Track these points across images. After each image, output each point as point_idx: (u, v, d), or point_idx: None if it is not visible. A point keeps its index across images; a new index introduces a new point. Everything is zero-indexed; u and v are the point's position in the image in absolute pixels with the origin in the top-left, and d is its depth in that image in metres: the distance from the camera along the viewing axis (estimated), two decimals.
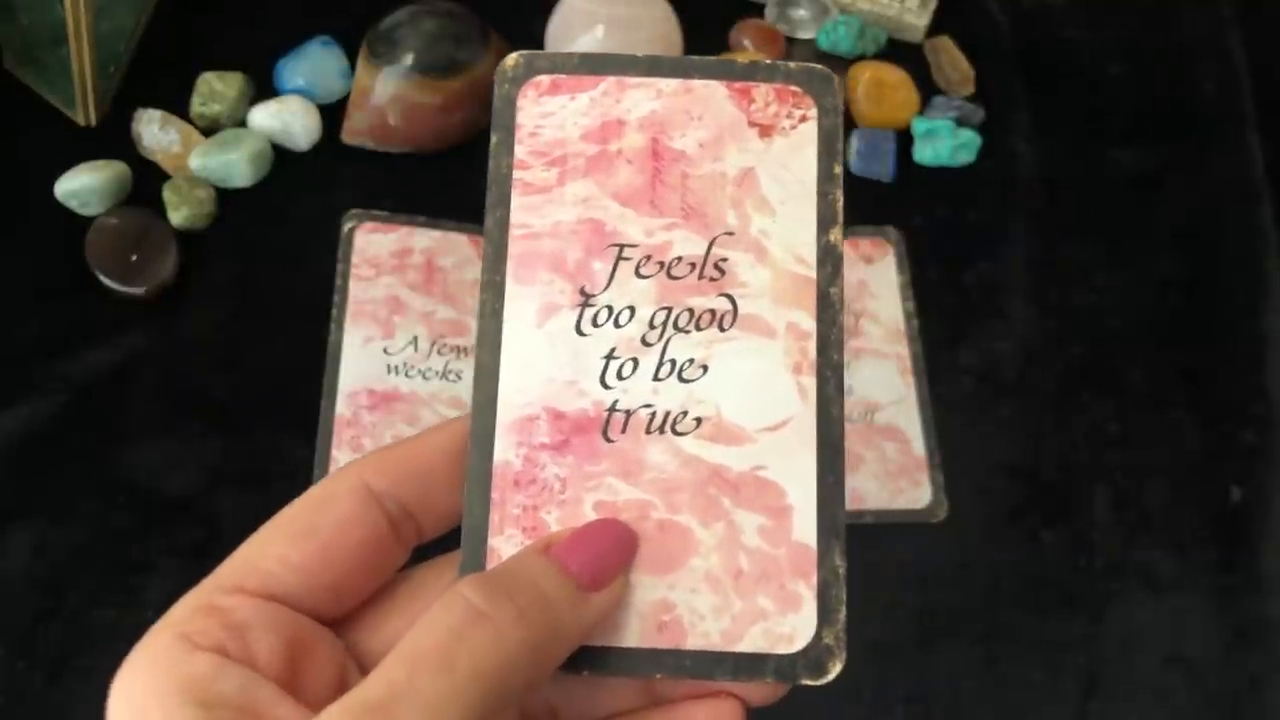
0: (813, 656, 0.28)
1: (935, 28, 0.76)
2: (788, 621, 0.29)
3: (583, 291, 0.30)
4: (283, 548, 0.28)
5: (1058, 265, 0.69)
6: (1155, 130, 0.74)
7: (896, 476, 0.62)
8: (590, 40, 0.68)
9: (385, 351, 0.62)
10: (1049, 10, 0.78)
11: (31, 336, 0.63)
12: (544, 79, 0.32)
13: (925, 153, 0.71)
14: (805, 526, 0.29)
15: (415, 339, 0.62)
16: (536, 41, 0.71)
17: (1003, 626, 0.60)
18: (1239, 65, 0.76)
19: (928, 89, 0.74)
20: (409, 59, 0.67)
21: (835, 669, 0.29)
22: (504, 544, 0.29)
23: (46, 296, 0.64)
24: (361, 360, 0.62)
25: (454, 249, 0.65)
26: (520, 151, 0.31)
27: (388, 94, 0.67)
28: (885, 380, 0.64)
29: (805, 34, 0.75)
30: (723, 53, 0.74)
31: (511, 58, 0.32)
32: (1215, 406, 0.66)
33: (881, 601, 0.59)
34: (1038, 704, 0.58)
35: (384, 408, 0.61)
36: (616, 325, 0.30)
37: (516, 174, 0.31)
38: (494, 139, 0.32)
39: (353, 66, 0.70)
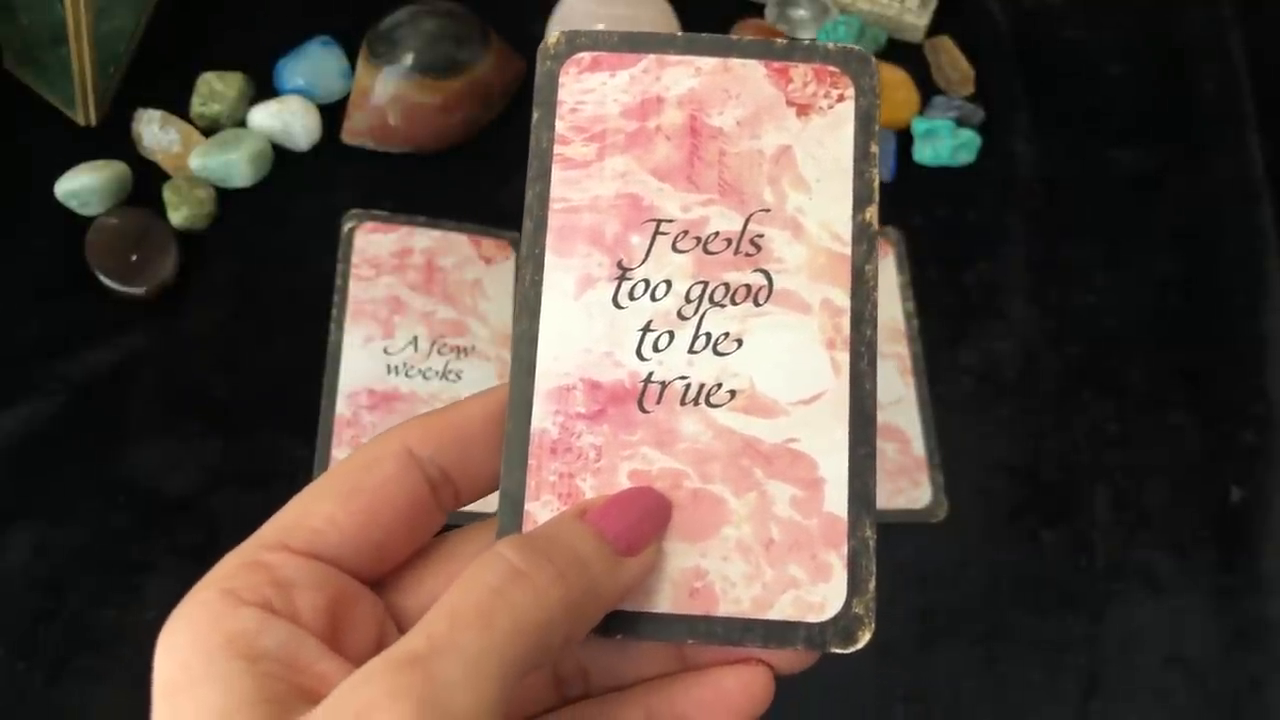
0: (842, 625, 0.29)
1: (935, 28, 0.76)
2: (818, 590, 0.29)
3: (620, 265, 0.31)
4: (329, 506, 0.28)
5: (1058, 265, 0.69)
6: (1155, 130, 0.74)
7: (896, 476, 0.62)
8: None
9: (385, 351, 0.62)
10: (1049, 10, 0.78)
11: (31, 336, 0.63)
12: (585, 56, 0.32)
13: (925, 153, 0.71)
14: (836, 498, 0.29)
15: (415, 339, 0.62)
16: (537, 41, 0.71)
17: (1003, 626, 0.60)
18: (1239, 65, 0.76)
19: (928, 89, 0.74)
20: (409, 59, 0.67)
21: (865, 638, 0.29)
22: (540, 509, 0.29)
23: (46, 296, 0.64)
24: (361, 360, 0.62)
25: (454, 249, 0.65)
26: (561, 127, 0.31)
27: (388, 94, 0.67)
28: (885, 380, 0.64)
29: (805, 34, 0.75)
30: None
31: (554, 35, 0.32)
32: (1215, 406, 0.66)
33: (881, 601, 0.59)
34: (1038, 704, 0.58)
35: (384, 408, 0.61)
36: (653, 299, 0.30)
37: (557, 149, 0.31)
38: (535, 115, 0.32)
39: (353, 66, 0.70)
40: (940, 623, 0.59)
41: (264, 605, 0.26)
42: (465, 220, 0.66)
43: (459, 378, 0.62)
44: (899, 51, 0.75)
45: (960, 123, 0.72)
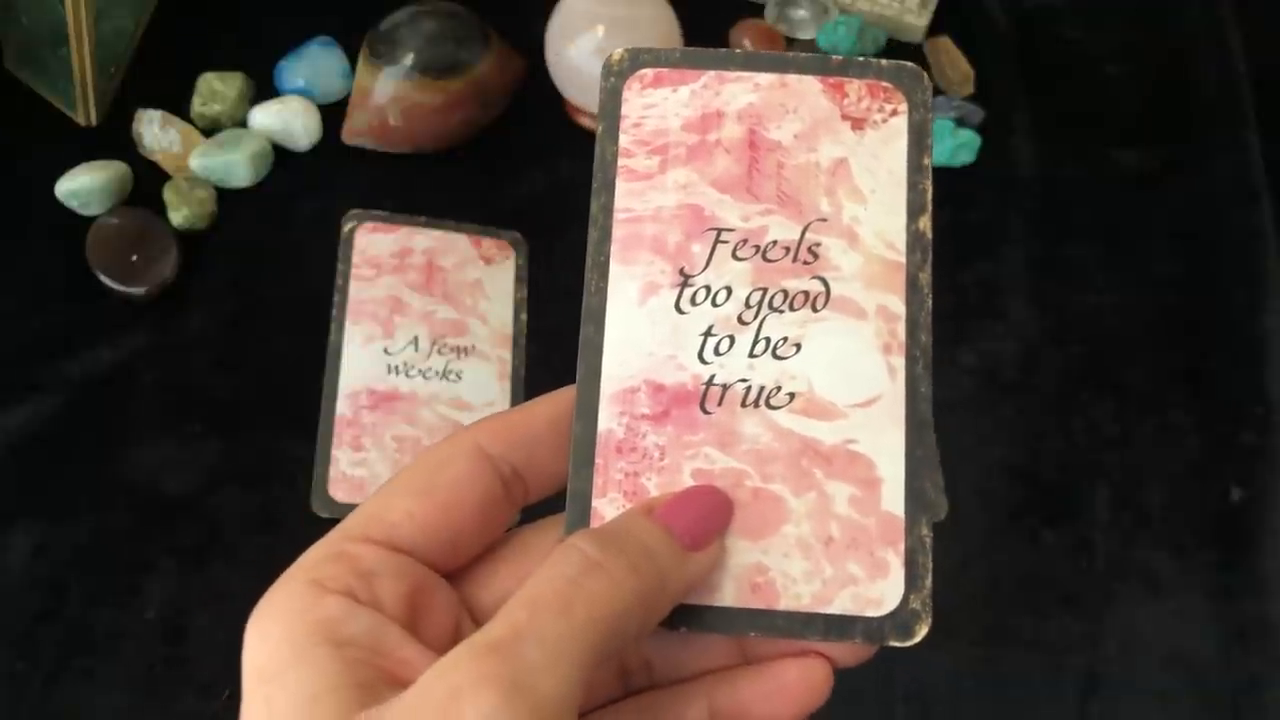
0: (900, 619, 0.30)
1: (935, 28, 0.76)
2: (876, 586, 0.30)
3: (682, 272, 0.32)
4: (406, 502, 0.29)
5: (1058, 265, 0.69)
6: (1155, 130, 0.74)
7: None
8: (590, 40, 0.68)
9: (385, 351, 0.62)
10: (1049, 10, 0.78)
11: (31, 336, 0.63)
12: (648, 72, 0.33)
13: None
14: (894, 497, 0.31)
15: (415, 339, 0.62)
16: (537, 41, 0.71)
17: (1003, 626, 0.60)
18: (1239, 65, 0.76)
19: None
20: (409, 59, 0.67)
21: (922, 632, 0.30)
22: (607, 506, 0.30)
23: (46, 296, 0.64)
24: (362, 360, 0.62)
25: (454, 249, 0.65)
26: (625, 140, 0.33)
27: (388, 94, 0.67)
28: None
29: (805, 34, 0.75)
30: None
31: (617, 53, 0.33)
32: (1215, 406, 0.66)
33: None
34: (1038, 704, 0.58)
35: (384, 408, 0.61)
36: (714, 304, 0.31)
37: (621, 161, 0.33)
38: (600, 128, 0.33)
39: (353, 66, 0.70)
40: (940, 623, 0.59)
41: (348, 594, 0.27)
42: (465, 220, 0.66)
43: (459, 378, 0.62)
44: (899, 51, 0.75)
45: (960, 123, 0.72)
